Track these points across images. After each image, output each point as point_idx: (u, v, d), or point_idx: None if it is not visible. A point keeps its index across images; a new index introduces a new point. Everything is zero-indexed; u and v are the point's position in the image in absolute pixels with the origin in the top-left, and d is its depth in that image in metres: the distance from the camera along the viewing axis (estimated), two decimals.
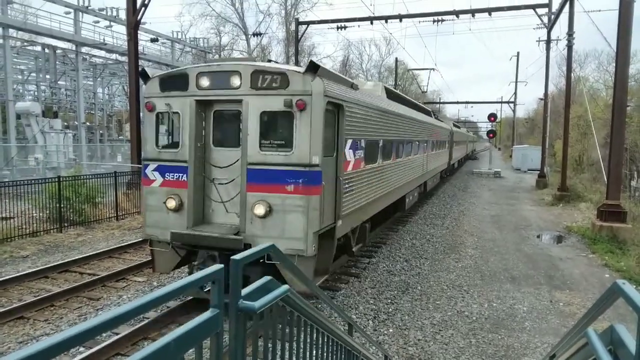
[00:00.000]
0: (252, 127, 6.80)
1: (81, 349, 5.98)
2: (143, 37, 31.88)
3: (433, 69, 35.27)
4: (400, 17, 26.14)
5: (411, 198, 15.59)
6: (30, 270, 9.39)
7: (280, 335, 2.53)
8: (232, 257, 1.85)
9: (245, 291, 2.01)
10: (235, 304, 1.91)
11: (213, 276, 1.75)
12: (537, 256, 11.60)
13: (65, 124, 32.62)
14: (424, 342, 6.73)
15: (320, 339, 3.14)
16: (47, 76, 33.34)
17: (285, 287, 2.28)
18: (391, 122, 11.35)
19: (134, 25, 18.72)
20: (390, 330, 7.12)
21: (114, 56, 34.62)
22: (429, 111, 22.30)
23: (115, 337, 6.28)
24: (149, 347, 1.37)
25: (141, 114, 17.77)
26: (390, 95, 13.00)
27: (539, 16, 25.54)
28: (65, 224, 13.45)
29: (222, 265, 1.76)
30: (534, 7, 24.70)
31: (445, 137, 25.56)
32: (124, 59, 28.74)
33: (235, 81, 6.83)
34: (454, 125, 36.31)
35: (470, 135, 58.83)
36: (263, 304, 2.00)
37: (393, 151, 11.78)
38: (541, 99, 35.77)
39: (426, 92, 44.77)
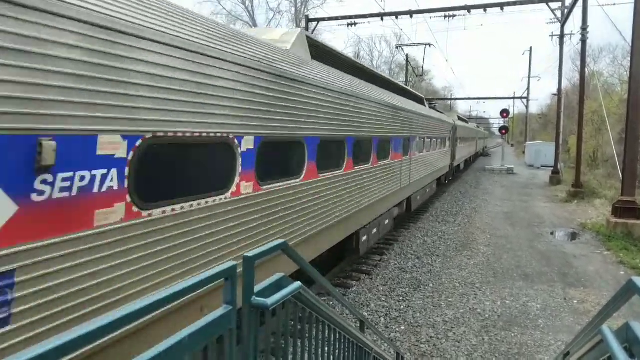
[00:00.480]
0: None
1: None
2: None
3: (429, 45, 32.40)
4: (410, 13, 25.97)
5: (375, 231, 9.74)
6: None
7: (293, 331, 2.55)
8: (245, 255, 1.87)
9: (258, 288, 2.03)
10: (249, 301, 1.93)
11: (226, 273, 1.77)
12: (550, 253, 11.48)
13: None
14: (436, 339, 6.71)
15: (332, 335, 3.16)
16: None
17: (297, 284, 2.30)
18: (296, 98, 5.60)
19: None
20: (402, 327, 7.11)
21: None
22: (421, 97, 17.51)
23: None
24: (164, 343, 1.39)
25: None
26: (322, 55, 7.64)
27: (552, 10, 25.23)
28: None
29: (235, 263, 1.77)
30: (547, 1, 24.39)
31: (446, 133, 20.21)
32: None
33: None
34: (459, 118, 32.50)
35: (480, 131, 54.38)
36: (276, 301, 2.02)
37: (310, 159, 6.09)
38: (555, 95, 35.35)
39: (422, 75, 39.38)
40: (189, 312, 3.52)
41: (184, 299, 1.54)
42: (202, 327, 1.56)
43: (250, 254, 1.87)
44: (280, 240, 2.34)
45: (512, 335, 6.87)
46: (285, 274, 2.24)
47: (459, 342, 6.62)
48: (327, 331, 2.99)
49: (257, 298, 1.92)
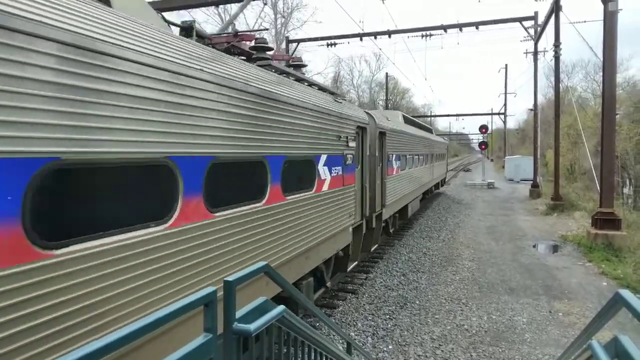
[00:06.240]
0: None
1: None
2: None
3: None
4: (389, 33, 26.49)
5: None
6: None
7: (277, 356, 2.46)
8: (225, 279, 1.80)
9: (239, 313, 1.95)
10: (230, 327, 1.85)
11: (205, 299, 1.70)
12: (533, 266, 11.56)
13: None
14: (424, 357, 6.62)
15: (318, 358, 3.07)
16: None
17: (281, 307, 2.22)
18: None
19: None
20: (390, 346, 7.01)
21: None
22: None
23: None
24: None
25: None
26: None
27: (526, 29, 26.00)
28: None
29: (214, 288, 1.70)
30: (520, 20, 25.16)
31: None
32: None
33: None
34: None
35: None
36: (258, 326, 1.94)
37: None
38: (531, 110, 36.11)
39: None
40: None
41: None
42: (180, 358, 1.47)
43: (231, 278, 1.80)
44: (263, 263, 2.28)
45: (500, 350, 6.83)
46: (267, 298, 2.17)
47: None
48: (312, 354, 2.91)
49: (238, 324, 1.84)
